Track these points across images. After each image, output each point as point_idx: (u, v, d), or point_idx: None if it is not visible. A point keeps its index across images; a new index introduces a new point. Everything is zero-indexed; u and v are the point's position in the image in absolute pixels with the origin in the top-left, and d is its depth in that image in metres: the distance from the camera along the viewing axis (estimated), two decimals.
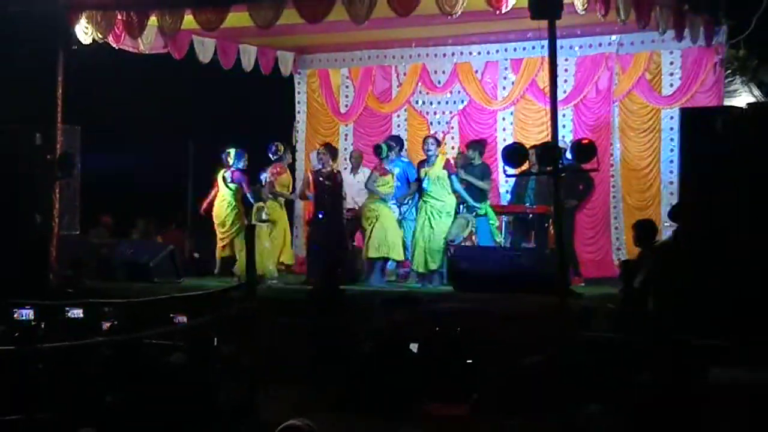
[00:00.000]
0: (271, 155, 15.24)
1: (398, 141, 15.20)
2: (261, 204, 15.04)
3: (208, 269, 15.63)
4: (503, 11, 12.27)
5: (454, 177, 14.22)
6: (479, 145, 14.92)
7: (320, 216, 14.56)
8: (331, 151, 14.94)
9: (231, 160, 15.17)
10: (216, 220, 15.28)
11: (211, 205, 15.38)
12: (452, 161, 14.63)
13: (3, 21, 13.65)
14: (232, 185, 15.17)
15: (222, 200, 15.26)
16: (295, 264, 16.21)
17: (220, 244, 15.31)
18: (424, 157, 14.49)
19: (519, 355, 9.96)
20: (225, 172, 15.23)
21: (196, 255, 16.71)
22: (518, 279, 12.61)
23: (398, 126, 17.30)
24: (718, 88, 14.91)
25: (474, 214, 14.45)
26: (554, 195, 10.46)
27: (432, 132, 16.19)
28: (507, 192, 15.48)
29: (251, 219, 14.91)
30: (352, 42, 16.82)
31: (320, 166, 14.72)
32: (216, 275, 15.29)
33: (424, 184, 14.23)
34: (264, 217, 14.92)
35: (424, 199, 14.26)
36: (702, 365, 8.56)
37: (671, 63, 15.41)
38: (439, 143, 14.69)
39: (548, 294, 10.58)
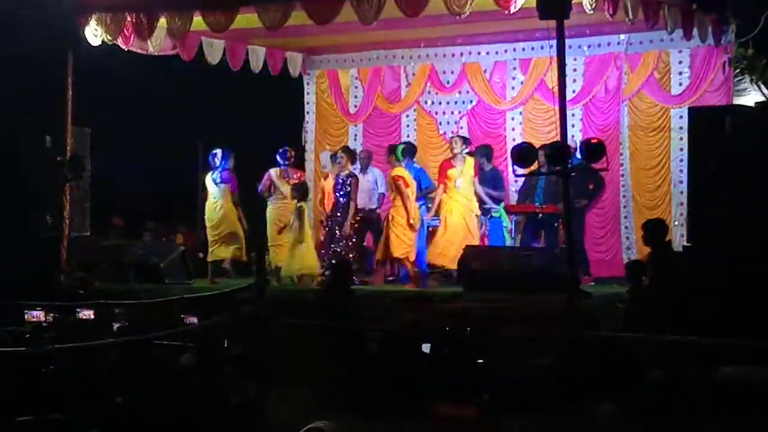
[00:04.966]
0: (282, 160, 15.12)
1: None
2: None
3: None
4: (512, 11, 12.30)
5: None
6: (486, 150, 14.95)
7: (337, 216, 14.54)
8: (350, 154, 14.96)
9: (218, 161, 15.20)
10: (208, 223, 15.27)
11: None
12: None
13: (13, 24, 13.69)
14: (221, 185, 15.13)
15: (212, 202, 15.24)
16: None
17: (210, 248, 15.19)
18: (451, 156, 14.53)
19: (529, 355, 9.95)
20: (213, 173, 15.21)
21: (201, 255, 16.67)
22: (528, 279, 12.62)
23: (407, 126, 17.33)
24: (727, 87, 14.90)
25: (489, 216, 14.49)
26: (564, 194, 10.46)
27: (441, 132, 16.20)
28: (515, 191, 15.49)
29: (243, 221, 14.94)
30: (360, 42, 16.83)
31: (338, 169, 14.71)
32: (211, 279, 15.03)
33: (458, 183, 14.24)
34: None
35: (456, 198, 14.28)
36: (710, 364, 8.56)
37: (680, 62, 15.41)
38: (466, 142, 14.65)
39: (558, 293, 10.58)
